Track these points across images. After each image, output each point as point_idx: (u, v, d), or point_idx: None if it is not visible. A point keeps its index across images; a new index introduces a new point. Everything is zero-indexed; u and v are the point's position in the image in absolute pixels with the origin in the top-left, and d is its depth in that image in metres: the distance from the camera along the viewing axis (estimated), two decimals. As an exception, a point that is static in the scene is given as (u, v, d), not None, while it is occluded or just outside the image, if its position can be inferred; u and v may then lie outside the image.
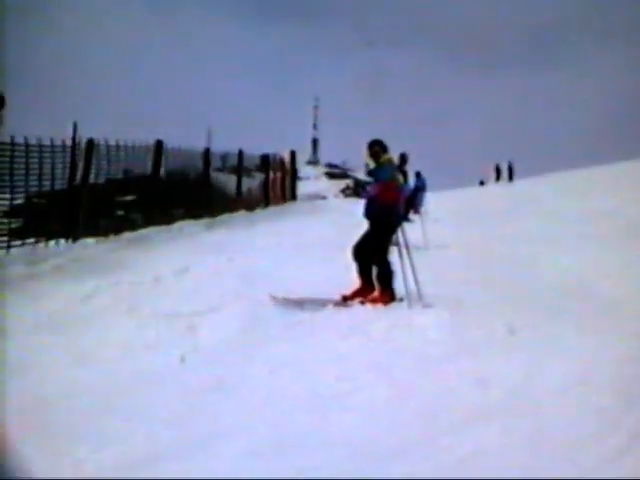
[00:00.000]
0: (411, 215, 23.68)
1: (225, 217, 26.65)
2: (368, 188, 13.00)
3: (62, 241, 18.23)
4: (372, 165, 11.91)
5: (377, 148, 11.82)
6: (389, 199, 11.47)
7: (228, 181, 30.48)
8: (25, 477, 4.24)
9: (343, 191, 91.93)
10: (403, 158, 21.94)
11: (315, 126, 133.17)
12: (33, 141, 17.73)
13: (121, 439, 6.27)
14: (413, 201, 23.91)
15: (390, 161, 11.99)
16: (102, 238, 19.31)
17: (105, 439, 6.26)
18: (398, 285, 11.39)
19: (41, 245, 17.57)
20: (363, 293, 11.46)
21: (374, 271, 11.47)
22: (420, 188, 28.82)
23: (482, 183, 65.49)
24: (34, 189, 18.31)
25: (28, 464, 5.58)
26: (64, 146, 19.03)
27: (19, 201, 17.96)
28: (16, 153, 17.10)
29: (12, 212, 17.63)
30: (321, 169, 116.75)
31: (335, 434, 6.39)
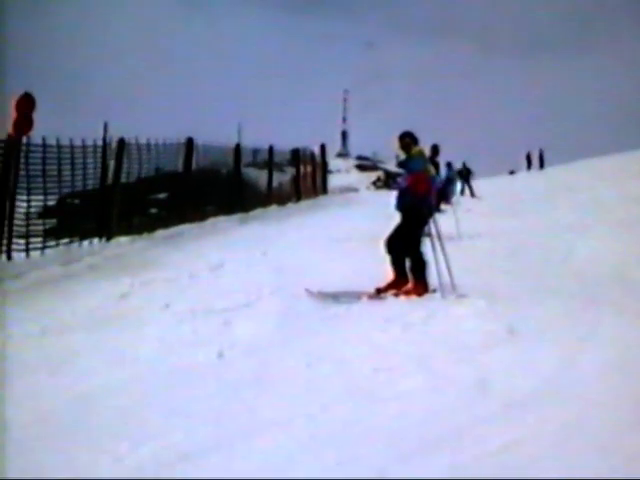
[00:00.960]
0: (443, 206, 23.63)
1: (257, 212, 26.71)
2: (399, 180, 12.97)
3: (96, 240, 18.27)
4: (403, 157, 11.89)
5: (408, 140, 11.81)
6: (420, 190, 11.46)
7: (259, 176, 30.53)
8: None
9: (374, 183, 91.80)
10: (435, 149, 21.90)
11: (344, 119, 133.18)
12: (65, 142, 17.78)
13: (160, 435, 6.28)
14: (444, 192, 23.83)
15: (421, 153, 11.98)
16: (135, 236, 19.34)
17: (144, 435, 6.28)
18: (431, 276, 11.37)
19: (75, 245, 17.61)
20: (397, 285, 11.45)
21: (407, 263, 11.45)
22: (451, 179, 28.81)
23: (512, 172, 65.02)
24: (67, 190, 18.39)
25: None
26: (95, 146, 19.08)
27: (52, 202, 18.02)
28: (48, 154, 17.13)
29: (46, 213, 17.72)
30: (351, 162, 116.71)
31: (374, 425, 6.38)
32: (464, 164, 39.76)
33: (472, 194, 36.87)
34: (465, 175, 38.60)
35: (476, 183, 37.75)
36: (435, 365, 7.87)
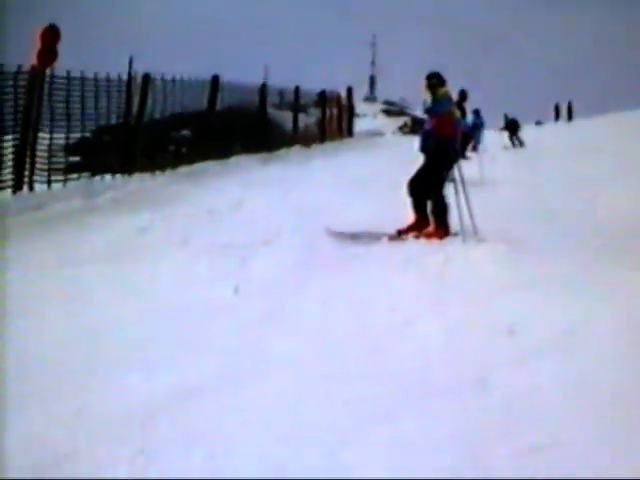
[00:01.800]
0: (468, 152, 23.45)
1: (281, 152, 26.60)
2: (425, 122, 12.82)
3: (119, 175, 18.24)
4: (429, 98, 11.76)
5: (435, 80, 11.73)
6: (445, 132, 11.37)
7: (285, 117, 30.40)
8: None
9: (401, 128, 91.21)
10: (463, 94, 21.76)
11: (373, 63, 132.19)
12: (89, 75, 17.70)
13: (171, 369, 6.26)
14: (470, 138, 23.61)
15: (447, 94, 11.91)
16: (159, 172, 19.33)
17: (155, 368, 6.26)
18: (453, 220, 11.29)
19: (97, 179, 17.60)
20: (418, 227, 11.38)
21: (429, 206, 11.37)
22: (478, 126, 28.58)
23: (539, 123, 64.31)
24: (90, 124, 18.35)
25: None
26: (120, 80, 19.00)
27: (76, 135, 17.96)
28: (72, 87, 17.06)
29: (69, 147, 17.67)
30: (379, 106, 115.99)
31: (386, 366, 6.33)
32: (506, 116, 37.97)
33: (520, 144, 35.19)
34: (511, 128, 36.39)
35: (501, 134, 37.15)
36: (451, 309, 7.80)
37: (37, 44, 15.96)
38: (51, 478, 4.78)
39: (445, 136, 11.33)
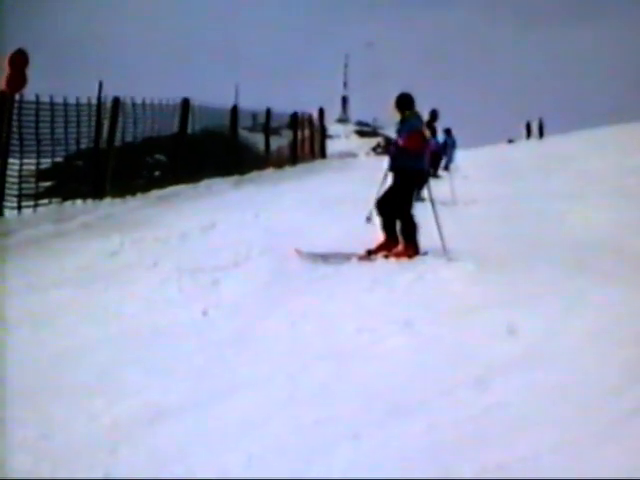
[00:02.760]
0: (440, 172, 23.56)
1: (253, 175, 26.58)
2: (394, 141, 12.86)
3: (90, 200, 18.18)
4: (398, 119, 11.82)
5: (404, 101, 11.78)
6: (413, 151, 11.38)
7: (257, 139, 30.43)
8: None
9: (374, 149, 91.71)
10: (433, 114, 21.88)
11: (345, 84, 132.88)
12: (59, 100, 17.68)
13: (138, 392, 6.26)
14: (441, 157, 23.68)
15: (416, 114, 11.91)
16: (130, 196, 19.30)
17: (122, 392, 6.26)
18: (423, 239, 11.31)
19: (68, 204, 17.54)
20: (387, 247, 11.39)
21: (398, 225, 11.40)
22: (450, 145, 28.68)
23: (511, 141, 64.59)
24: (61, 149, 18.32)
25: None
26: (90, 105, 18.97)
27: (46, 160, 17.92)
28: (41, 112, 17.02)
29: (40, 173, 17.62)
30: (351, 127, 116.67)
31: (354, 385, 6.34)
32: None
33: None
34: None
35: (473, 152, 36.95)
36: (420, 327, 7.81)
37: (6, 69, 15.93)
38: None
39: (413, 155, 11.35)
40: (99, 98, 19.16)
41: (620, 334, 7.47)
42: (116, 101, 19.79)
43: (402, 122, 11.73)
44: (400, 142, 11.72)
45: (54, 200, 17.48)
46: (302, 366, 6.77)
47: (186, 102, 23.66)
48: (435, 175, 18.49)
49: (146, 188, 20.53)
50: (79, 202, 17.76)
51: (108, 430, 5.58)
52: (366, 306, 8.65)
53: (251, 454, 5.09)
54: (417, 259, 10.94)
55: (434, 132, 21.17)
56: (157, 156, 22.99)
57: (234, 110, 27.82)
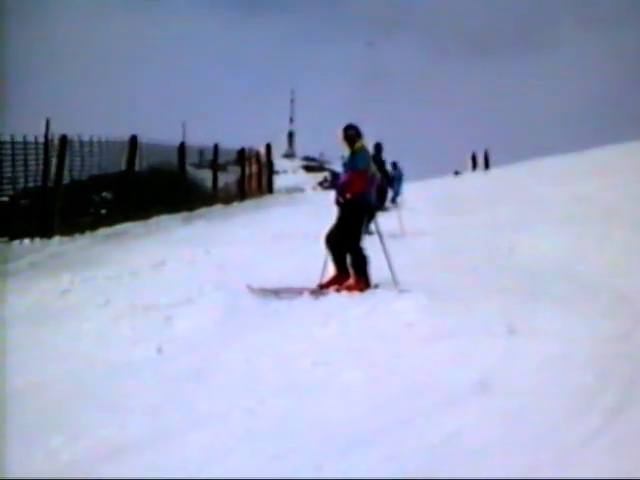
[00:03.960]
0: (387, 204, 23.67)
1: (202, 211, 26.66)
2: (340, 176, 12.93)
3: (38, 239, 18.06)
4: (347, 152, 11.84)
5: (352, 132, 11.78)
6: (358, 187, 11.43)
7: (204, 176, 30.44)
8: None
9: (321, 184, 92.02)
10: (378, 147, 21.95)
11: (291, 119, 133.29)
12: (6, 138, 17.61)
13: (95, 429, 6.21)
14: (386, 190, 23.75)
15: (364, 148, 11.95)
16: (78, 235, 19.21)
17: (79, 430, 6.20)
18: (374, 271, 11.37)
19: (16, 242, 17.41)
20: (338, 281, 11.44)
21: (348, 259, 11.44)
22: (397, 178, 28.86)
23: (457, 173, 64.97)
24: (8, 188, 18.22)
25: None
26: (37, 143, 18.92)
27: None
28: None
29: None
30: (298, 162, 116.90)
31: (312, 419, 6.36)
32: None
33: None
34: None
35: (419, 184, 37.20)
36: (374, 359, 7.86)
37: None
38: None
39: (358, 191, 11.41)
40: (46, 136, 19.11)
41: (573, 359, 7.60)
42: (63, 139, 19.74)
43: (351, 156, 11.75)
44: (345, 178, 11.76)
45: (1, 239, 17.34)
46: (259, 400, 6.76)
47: (134, 139, 23.68)
48: (382, 208, 18.55)
49: (94, 226, 20.44)
50: (27, 241, 17.64)
51: (67, 467, 5.54)
52: (320, 340, 8.68)
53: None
54: (369, 292, 11.00)
55: (381, 165, 21.26)
56: (104, 194, 22.84)
57: (181, 147, 27.85)
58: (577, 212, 20.45)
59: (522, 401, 6.54)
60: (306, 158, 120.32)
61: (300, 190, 59.68)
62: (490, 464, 5.33)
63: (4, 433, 6.15)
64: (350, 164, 11.75)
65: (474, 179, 49.00)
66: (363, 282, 11.26)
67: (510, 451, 5.54)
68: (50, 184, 19.42)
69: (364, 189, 11.51)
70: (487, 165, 63.20)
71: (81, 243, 18.36)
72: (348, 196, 11.43)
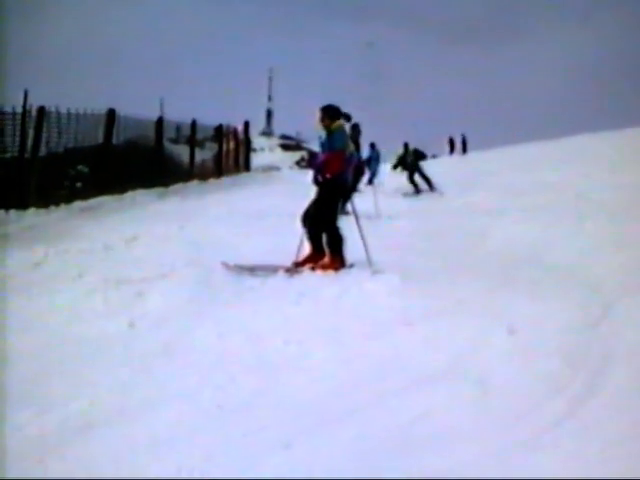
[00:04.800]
0: (363, 186, 23.63)
1: (178, 187, 26.55)
2: (317, 155, 12.92)
3: (13, 210, 17.96)
4: (324, 132, 11.82)
5: (330, 112, 11.75)
6: (335, 167, 11.42)
7: (181, 151, 30.34)
8: None
9: (298, 163, 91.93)
10: (355, 128, 21.90)
11: (270, 97, 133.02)
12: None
13: (64, 404, 6.21)
14: (363, 171, 23.69)
15: (342, 128, 11.92)
16: (53, 207, 19.12)
17: (48, 404, 6.20)
18: (349, 252, 11.38)
19: (-10, 214, 17.32)
20: (314, 259, 11.44)
21: (324, 238, 11.45)
22: (374, 159, 28.79)
23: (434, 156, 64.64)
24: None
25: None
26: (14, 114, 18.80)
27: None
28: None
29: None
30: (275, 140, 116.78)
31: (282, 396, 6.39)
32: (406, 146, 28.79)
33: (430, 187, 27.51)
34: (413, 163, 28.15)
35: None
36: (346, 339, 7.88)
37: None
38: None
39: (335, 170, 11.41)
40: (24, 107, 18.99)
41: (544, 345, 7.61)
42: (41, 110, 19.62)
43: (329, 137, 11.74)
44: (322, 158, 11.75)
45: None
46: (230, 378, 6.78)
47: (112, 112, 23.56)
48: (356, 189, 18.48)
49: (69, 199, 20.34)
50: (2, 212, 17.53)
51: (36, 441, 5.54)
52: (293, 318, 8.68)
53: (181, 465, 5.11)
54: (343, 271, 11.00)
55: (358, 147, 21.20)
56: (80, 167, 22.70)
57: (159, 122, 27.74)
58: (551, 199, 20.46)
59: (489, 387, 6.56)
60: (283, 137, 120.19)
61: (277, 169, 59.58)
62: (459, 445, 5.38)
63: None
64: (327, 144, 11.74)
65: (451, 163, 48.96)
66: (338, 261, 11.27)
67: (479, 433, 5.59)
68: (27, 155, 19.30)
69: (341, 169, 11.50)
70: (464, 149, 63.14)
71: (56, 216, 18.26)
72: (328, 176, 11.42)
